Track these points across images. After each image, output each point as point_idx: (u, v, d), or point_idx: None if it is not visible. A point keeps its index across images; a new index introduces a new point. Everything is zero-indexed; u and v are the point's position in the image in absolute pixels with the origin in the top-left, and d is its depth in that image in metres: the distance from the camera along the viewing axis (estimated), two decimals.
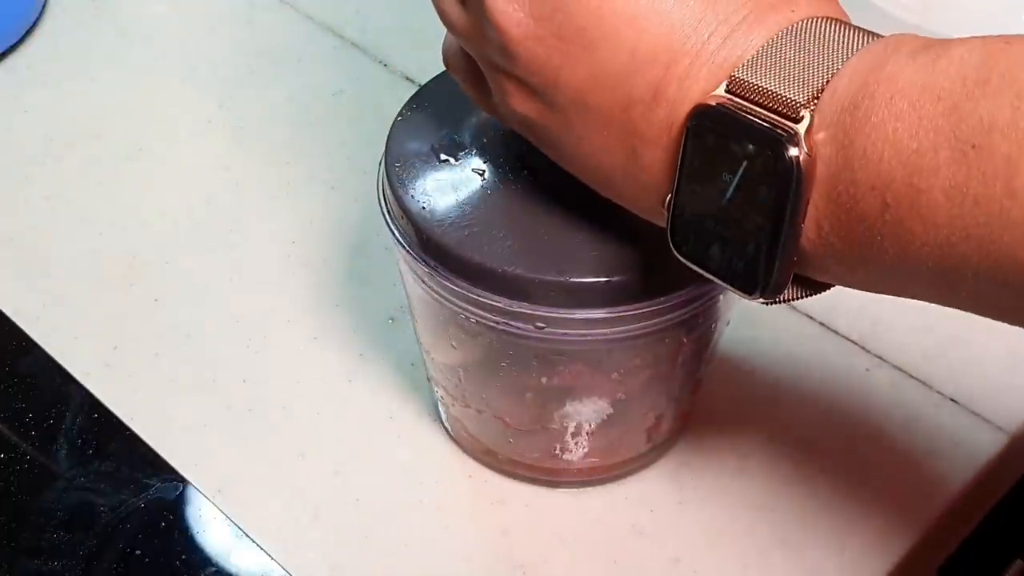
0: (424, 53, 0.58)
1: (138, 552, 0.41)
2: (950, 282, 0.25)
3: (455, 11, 0.33)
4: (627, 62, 0.29)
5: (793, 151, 0.26)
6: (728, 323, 0.41)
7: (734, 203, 0.28)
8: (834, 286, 0.30)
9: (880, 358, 0.46)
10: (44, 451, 0.44)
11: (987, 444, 0.43)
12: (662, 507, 0.42)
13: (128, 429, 0.45)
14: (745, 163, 0.28)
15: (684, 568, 0.40)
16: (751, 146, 0.27)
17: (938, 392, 0.45)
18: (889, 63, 0.26)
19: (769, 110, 0.27)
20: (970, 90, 0.24)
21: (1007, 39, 0.25)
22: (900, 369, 0.46)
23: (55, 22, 0.63)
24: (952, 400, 0.45)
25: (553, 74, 0.30)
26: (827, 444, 0.44)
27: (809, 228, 0.27)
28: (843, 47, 0.27)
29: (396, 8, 0.63)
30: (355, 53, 0.61)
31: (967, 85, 0.24)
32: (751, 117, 0.27)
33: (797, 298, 0.30)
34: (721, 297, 0.37)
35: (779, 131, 0.27)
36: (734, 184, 0.28)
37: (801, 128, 0.26)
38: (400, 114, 0.38)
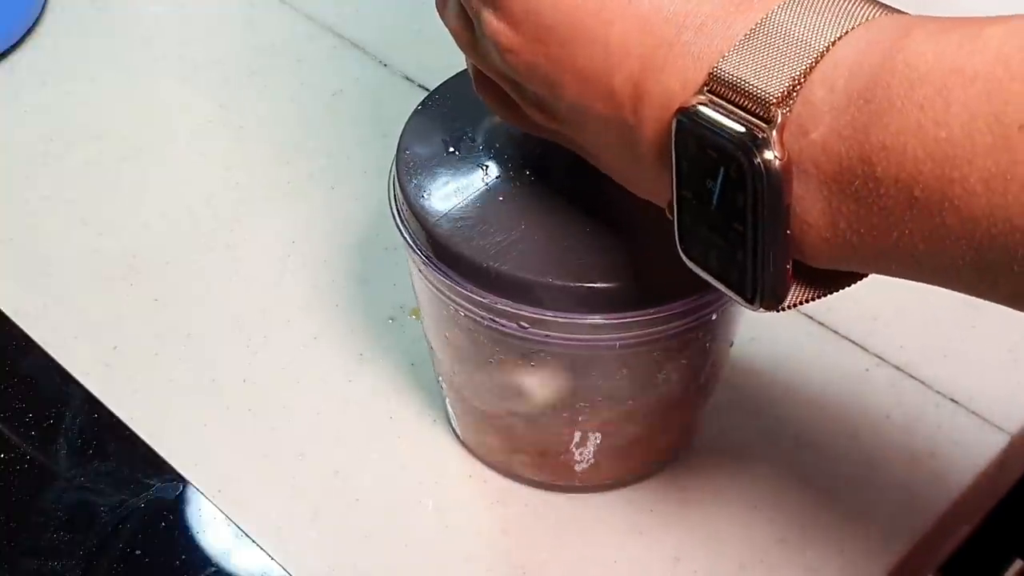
0: (424, 53, 0.59)
1: (138, 552, 0.41)
2: (990, 277, 0.24)
3: (465, 35, 0.32)
4: (603, 58, 0.28)
5: (767, 154, 0.25)
6: (732, 344, 0.40)
7: (721, 210, 0.27)
8: (858, 280, 0.28)
9: (880, 358, 0.46)
10: (44, 451, 0.44)
11: (987, 444, 0.43)
12: (662, 507, 0.42)
13: (128, 429, 0.45)
14: (722, 169, 0.26)
15: (684, 568, 0.40)
16: (724, 151, 0.26)
17: (938, 392, 0.45)
18: (905, 49, 0.24)
19: (743, 109, 0.25)
20: (1015, 71, 0.22)
21: None
22: (900, 369, 0.46)
23: (55, 22, 0.63)
24: (952, 400, 0.45)
25: (546, 81, 0.30)
26: (827, 444, 0.44)
27: (822, 227, 0.25)
28: (830, 24, 0.25)
29: (396, 8, 0.63)
30: (355, 53, 0.61)
31: (1011, 67, 0.22)
32: (723, 120, 0.26)
33: (815, 299, 0.28)
34: (715, 316, 0.36)
35: (755, 132, 0.25)
36: (717, 191, 0.26)
37: (773, 130, 0.25)
38: (422, 103, 0.39)
